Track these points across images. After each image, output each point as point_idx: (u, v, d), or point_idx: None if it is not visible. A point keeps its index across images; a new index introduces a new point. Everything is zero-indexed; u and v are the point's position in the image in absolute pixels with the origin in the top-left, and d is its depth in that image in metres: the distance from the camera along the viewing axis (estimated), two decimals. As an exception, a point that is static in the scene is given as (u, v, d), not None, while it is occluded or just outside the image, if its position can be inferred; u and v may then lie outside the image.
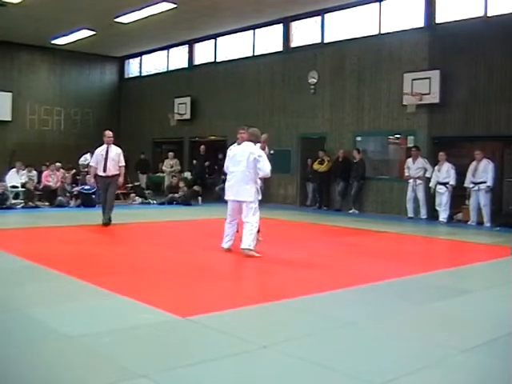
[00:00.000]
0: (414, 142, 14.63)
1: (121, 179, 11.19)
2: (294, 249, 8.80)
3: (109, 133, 11.16)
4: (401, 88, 14.42)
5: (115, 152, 11.03)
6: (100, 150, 11.01)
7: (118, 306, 5.13)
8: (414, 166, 14.07)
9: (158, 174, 20.73)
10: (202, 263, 7.40)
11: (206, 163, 19.34)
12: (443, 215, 13.31)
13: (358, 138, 16.10)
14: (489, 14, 13.31)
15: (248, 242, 7.75)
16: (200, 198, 17.12)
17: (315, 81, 16.92)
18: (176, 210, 15.43)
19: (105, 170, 10.87)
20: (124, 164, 11.19)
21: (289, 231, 11.02)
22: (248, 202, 7.83)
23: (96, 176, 11.08)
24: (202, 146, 19.61)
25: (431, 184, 13.57)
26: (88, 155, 16.51)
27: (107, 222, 10.77)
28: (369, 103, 15.65)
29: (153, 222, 12.52)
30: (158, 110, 22.23)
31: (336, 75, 16.46)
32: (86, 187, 15.07)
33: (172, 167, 19.85)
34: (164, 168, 20.07)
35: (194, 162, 19.70)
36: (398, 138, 15.67)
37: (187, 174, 20.00)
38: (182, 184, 17.36)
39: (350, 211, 15.51)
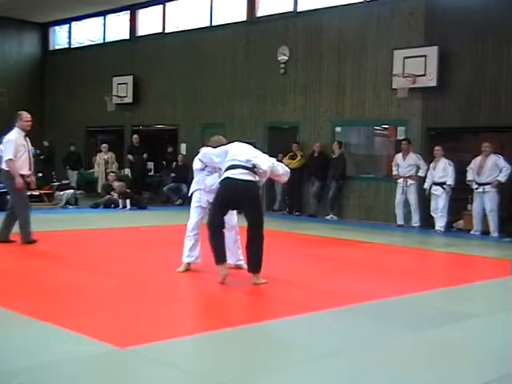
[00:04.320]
0: (405, 133, 14.71)
1: (32, 178, 10.39)
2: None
3: (28, 116, 9.98)
4: (390, 68, 14.47)
5: (29, 142, 10.11)
6: (19, 139, 9.82)
7: (39, 335, 4.99)
8: (405, 163, 14.14)
9: (92, 171, 20.47)
10: (146, 282, 7.32)
11: (145, 155, 19.35)
12: (440, 223, 13.37)
13: (338, 129, 16.13)
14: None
15: None
16: (128, 201, 16.73)
17: (286, 58, 16.90)
18: (115, 215, 15.27)
19: (30, 167, 9.94)
20: None
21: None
22: None
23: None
24: (135, 136, 19.67)
25: (426, 185, 13.63)
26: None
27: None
28: (351, 86, 15.69)
29: (86, 229, 12.39)
30: (93, 92, 21.93)
31: (311, 52, 16.46)
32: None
33: (107, 162, 19.63)
34: (96, 165, 19.84)
35: (130, 157, 19.56)
36: (385, 129, 15.73)
37: (128, 171, 19.81)
38: (116, 183, 17.03)
39: (328, 217, 15.55)
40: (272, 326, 5.47)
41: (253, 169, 7.21)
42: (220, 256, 7.31)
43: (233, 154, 7.43)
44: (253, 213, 7.33)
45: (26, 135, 9.94)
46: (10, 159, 9.65)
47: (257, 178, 7.30)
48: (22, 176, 9.73)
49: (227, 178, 7.23)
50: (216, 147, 7.88)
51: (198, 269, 7.87)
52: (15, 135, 9.81)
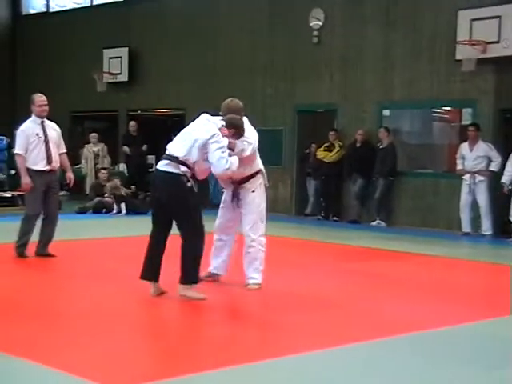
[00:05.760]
0: (472, 117, 14.70)
1: (70, 175, 10.64)
2: (287, 281, 8.82)
3: (41, 99, 10.22)
4: (453, 33, 14.42)
5: (55, 131, 10.33)
6: (30, 128, 10.06)
7: (10, 374, 4.96)
8: (472, 155, 14.10)
9: (78, 167, 20.50)
10: (143, 305, 7.45)
11: (144, 147, 19.46)
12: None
13: (386, 112, 16.18)
14: None
15: None
16: (124, 205, 16.79)
17: (320, 24, 16.96)
18: (107, 222, 15.45)
19: (49, 161, 9.99)
20: (66, 150, 10.63)
21: (279, 254, 10.88)
22: None
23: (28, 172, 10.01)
24: (133, 123, 19.84)
25: (504, 179, 13.50)
26: None
27: (47, 253, 10.34)
28: (402, 58, 15.70)
29: (71, 240, 12.28)
30: (78, 68, 22.06)
31: (352, 15, 16.50)
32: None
33: (97, 156, 19.68)
34: (84, 159, 19.89)
35: (126, 149, 19.71)
36: (447, 112, 15.62)
37: (123, 167, 19.85)
38: (117, 182, 17.09)
39: (374, 223, 15.63)
40: (302, 361, 5.43)
41: (176, 158, 7.19)
42: (146, 271, 7.37)
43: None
44: (175, 215, 7.28)
45: (42, 121, 10.15)
46: (16, 154, 10.13)
47: (183, 169, 7.17)
48: (40, 172, 9.97)
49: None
50: (227, 115, 7.93)
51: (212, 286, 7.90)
52: (27, 124, 10.15)
